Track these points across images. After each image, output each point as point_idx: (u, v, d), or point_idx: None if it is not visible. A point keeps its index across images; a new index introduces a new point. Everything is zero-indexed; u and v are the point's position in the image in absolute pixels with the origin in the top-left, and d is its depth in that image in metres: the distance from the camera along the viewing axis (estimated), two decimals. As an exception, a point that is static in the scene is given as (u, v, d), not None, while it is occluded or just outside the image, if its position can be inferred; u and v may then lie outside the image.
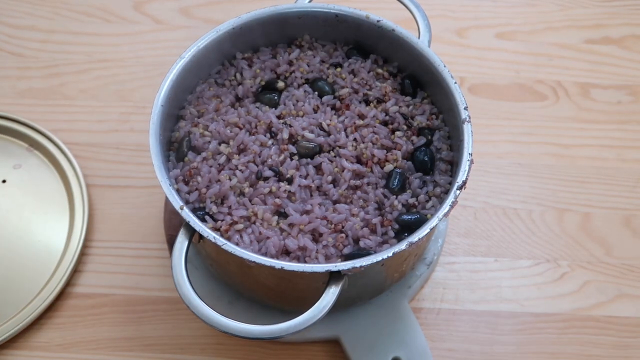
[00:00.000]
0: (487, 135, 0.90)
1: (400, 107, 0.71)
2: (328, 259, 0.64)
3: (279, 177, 0.67)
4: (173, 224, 0.78)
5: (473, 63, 0.96)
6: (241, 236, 0.64)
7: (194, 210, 0.65)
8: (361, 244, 0.64)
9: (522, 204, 0.85)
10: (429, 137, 0.70)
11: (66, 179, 0.83)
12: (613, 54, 0.96)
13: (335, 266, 0.59)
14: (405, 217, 0.65)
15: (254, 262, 0.59)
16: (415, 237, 0.61)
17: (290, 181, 0.66)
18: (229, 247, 0.60)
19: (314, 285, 0.61)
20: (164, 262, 0.79)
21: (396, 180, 0.67)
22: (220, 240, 0.60)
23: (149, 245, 0.80)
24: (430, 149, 0.69)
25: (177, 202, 0.62)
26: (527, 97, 0.93)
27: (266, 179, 0.67)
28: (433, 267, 0.79)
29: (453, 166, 0.69)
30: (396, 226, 0.65)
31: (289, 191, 0.66)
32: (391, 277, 0.72)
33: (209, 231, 0.61)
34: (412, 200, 0.66)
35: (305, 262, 0.63)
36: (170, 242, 0.77)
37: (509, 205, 0.85)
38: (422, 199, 0.67)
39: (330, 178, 0.67)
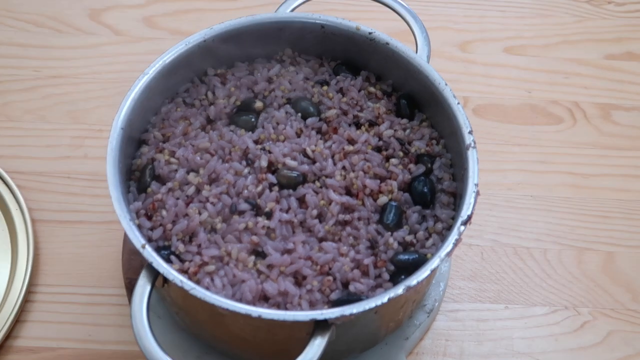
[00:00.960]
0: (495, 163, 0.91)
1: (395, 130, 0.73)
2: (313, 305, 0.64)
3: (257, 211, 0.67)
4: (133, 265, 0.79)
5: (478, 81, 0.98)
6: (212, 279, 0.64)
7: (157, 249, 0.65)
8: (351, 288, 0.64)
9: (536, 242, 0.86)
10: (429, 165, 0.71)
11: (8, 213, 0.83)
12: (637, 71, 0.98)
13: (322, 314, 0.59)
14: (401, 257, 0.66)
15: (227, 309, 0.59)
16: (413, 280, 0.61)
17: (269, 216, 0.67)
18: (198, 292, 0.60)
19: (297, 336, 0.61)
20: (122, 310, 0.79)
21: (391, 214, 0.68)
22: (188, 284, 0.60)
23: (105, 291, 0.80)
24: (430, 179, 0.70)
25: (138, 240, 0.62)
26: (541, 119, 0.95)
27: (241, 213, 0.67)
28: (434, 315, 0.79)
29: (456, 198, 0.70)
30: (392, 267, 0.66)
31: (268, 227, 0.66)
32: (386, 327, 0.72)
33: (175, 273, 0.61)
34: (409, 238, 0.67)
35: (286, 309, 0.63)
36: (130, 287, 0.77)
37: (520, 244, 0.86)
38: (421, 236, 0.67)
39: (315, 212, 0.67)
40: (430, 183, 0.70)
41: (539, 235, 0.86)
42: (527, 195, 0.89)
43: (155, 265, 0.61)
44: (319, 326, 0.60)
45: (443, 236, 0.67)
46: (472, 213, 0.64)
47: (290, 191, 0.68)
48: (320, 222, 0.67)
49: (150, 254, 0.61)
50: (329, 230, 0.67)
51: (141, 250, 0.61)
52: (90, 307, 0.80)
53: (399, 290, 0.60)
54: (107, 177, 0.64)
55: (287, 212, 0.67)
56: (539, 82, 0.98)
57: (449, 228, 0.67)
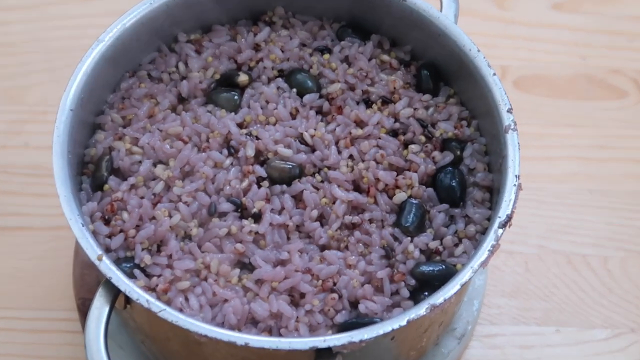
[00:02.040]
0: (542, 149, 0.91)
1: (415, 109, 0.72)
2: (314, 330, 0.64)
3: (242, 212, 0.67)
4: (87, 282, 0.78)
5: (520, 46, 0.97)
6: (187, 299, 0.64)
7: (117, 262, 0.65)
8: (361, 307, 0.64)
9: (594, 248, 0.86)
10: (458, 152, 0.71)
11: None
12: None
13: (324, 340, 0.59)
14: (424, 268, 0.65)
15: (205, 335, 0.59)
16: (439, 297, 0.61)
17: (257, 218, 0.67)
18: (169, 314, 0.60)
19: None
20: (74, 338, 0.79)
21: (411, 215, 0.67)
22: (157, 305, 0.60)
23: (52, 315, 0.80)
24: (460, 170, 0.70)
25: (93, 250, 0.62)
26: (599, 94, 0.94)
27: (223, 215, 0.67)
28: (466, 341, 0.79)
29: (493, 194, 0.70)
30: (412, 282, 0.65)
31: (256, 232, 0.66)
32: (406, 356, 0.72)
33: (140, 292, 0.61)
34: (434, 245, 0.67)
35: (280, 335, 0.63)
36: (83, 309, 0.77)
37: (574, 250, 0.85)
38: (448, 242, 0.67)
39: (315, 213, 0.67)
40: (460, 175, 0.69)
41: (597, 239, 0.86)
42: (582, 189, 0.89)
43: (114, 281, 0.61)
44: (322, 356, 0.60)
45: (476, 242, 0.67)
46: (512, 212, 0.64)
47: (284, 187, 0.68)
48: (322, 225, 0.67)
49: (109, 268, 0.61)
50: (333, 235, 0.67)
51: (97, 262, 0.61)
52: (34, 335, 0.79)
53: (421, 310, 0.60)
54: (53, 172, 0.64)
55: (279, 213, 0.67)
56: (596, 46, 0.97)
57: (484, 231, 0.67)
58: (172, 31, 0.75)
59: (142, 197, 0.67)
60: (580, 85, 0.95)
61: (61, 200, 0.63)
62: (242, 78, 0.73)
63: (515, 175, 0.65)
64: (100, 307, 0.61)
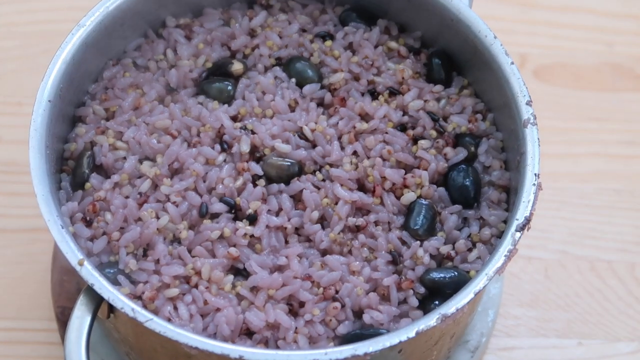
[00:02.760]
0: (565, 145, 0.92)
1: (426, 101, 0.73)
2: (314, 342, 0.64)
3: (236, 213, 0.67)
4: (66, 289, 0.79)
5: (541, 32, 0.98)
6: (175, 307, 0.64)
7: (100, 267, 0.65)
8: (365, 318, 0.64)
9: (621, 253, 0.86)
10: (472, 148, 0.71)
11: None
12: None
13: (326, 354, 0.59)
14: (435, 275, 0.66)
15: (196, 347, 0.59)
16: (451, 306, 0.61)
17: (252, 220, 0.67)
18: (157, 324, 0.60)
19: None
20: (53, 350, 0.80)
21: (421, 217, 0.68)
22: (143, 315, 0.60)
23: (28, 325, 0.81)
24: (474, 168, 0.70)
25: (73, 254, 0.62)
26: (626, 84, 0.95)
27: (215, 216, 0.67)
28: (480, 354, 0.80)
29: (510, 195, 0.70)
30: (421, 290, 0.66)
31: (252, 235, 0.66)
32: None
33: (125, 300, 0.61)
34: (445, 249, 0.67)
35: (277, 347, 0.63)
36: (63, 318, 0.78)
37: (599, 256, 0.86)
38: (461, 247, 0.67)
39: (316, 214, 0.67)
40: (474, 173, 0.70)
41: (624, 244, 0.87)
42: (608, 189, 0.90)
43: (97, 288, 0.61)
44: None
45: (492, 246, 0.67)
46: (531, 214, 0.64)
47: (282, 186, 0.69)
48: (323, 228, 0.68)
49: (91, 274, 0.61)
50: (335, 239, 0.67)
51: (78, 268, 0.62)
52: (9, 346, 0.80)
53: (432, 321, 0.60)
54: (30, 169, 0.64)
55: (277, 214, 0.67)
56: (624, 32, 0.98)
57: (500, 235, 0.67)
58: (159, 15, 0.75)
59: (126, 197, 0.68)
60: (606, 75, 0.95)
61: (39, 199, 0.63)
62: (236, 67, 0.73)
63: (535, 174, 0.65)
64: (81, 317, 0.61)
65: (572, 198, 0.89)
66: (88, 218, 0.67)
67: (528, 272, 0.85)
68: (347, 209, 0.67)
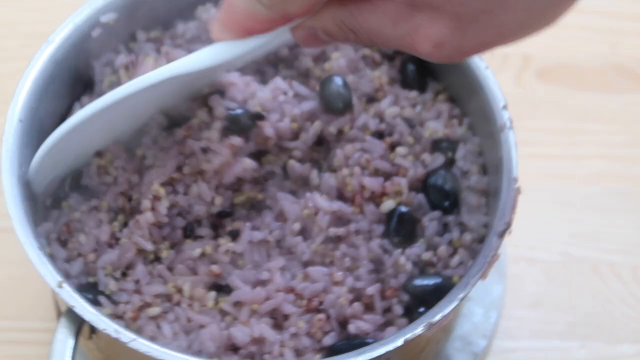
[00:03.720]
0: (567, 146, 0.92)
1: (402, 108, 0.72)
2: (300, 355, 0.64)
3: (217, 230, 0.67)
4: (67, 289, 0.80)
5: (544, 33, 0.97)
6: (159, 326, 0.64)
7: (80, 289, 0.64)
8: (351, 328, 0.64)
9: (623, 255, 0.87)
10: (450, 154, 0.71)
11: None
12: None
13: None
14: (418, 282, 0.66)
15: None
16: (436, 314, 0.61)
17: (234, 236, 0.67)
18: (140, 344, 0.60)
19: None
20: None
21: (401, 225, 0.68)
22: (127, 335, 0.60)
23: (28, 325, 0.81)
24: (453, 173, 0.70)
25: (52, 277, 0.62)
26: (630, 85, 0.95)
27: (197, 238, 0.67)
28: (483, 357, 0.79)
29: (489, 198, 0.70)
30: (405, 297, 0.66)
31: (233, 252, 0.66)
32: None
33: (107, 320, 0.61)
34: (427, 256, 0.67)
35: None
36: (64, 318, 0.78)
37: (601, 257, 0.86)
38: (443, 253, 0.67)
39: (297, 226, 0.67)
40: (453, 179, 0.70)
41: (627, 246, 0.87)
42: (611, 190, 0.90)
43: (78, 310, 0.61)
44: None
45: (473, 251, 0.67)
46: (511, 220, 0.64)
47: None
48: (305, 239, 0.67)
49: (71, 296, 0.61)
50: (317, 250, 0.66)
51: (58, 290, 0.62)
52: (9, 346, 0.81)
53: (418, 329, 0.61)
54: (3, 192, 0.64)
55: (259, 228, 0.67)
56: (627, 32, 0.98)
57: (481, 239, 0.67)
58: (129, 29, 0.74)
59: (100, 221, 0.67)
60: (608, 76, 0.95)
61: (13, 222, 0.63)
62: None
63: (513, 179, 0.65)
64: (63, 340, 0.61)
65: (575, 199, 0.89)
66: (62, 238, 0.67)
67: (530, 274, 0.85)
68: (328, 219, 0.67)
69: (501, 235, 0.64)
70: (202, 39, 0.73)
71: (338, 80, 0.70)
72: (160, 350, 0.59)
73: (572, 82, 0.96)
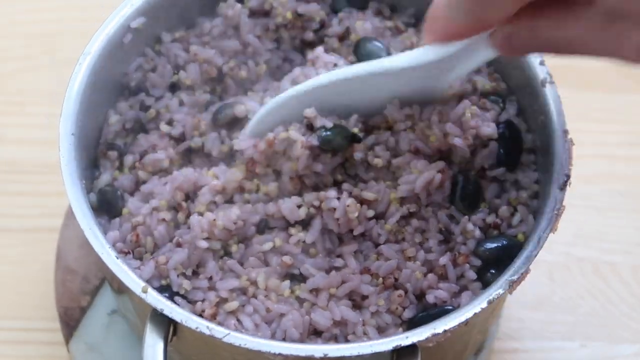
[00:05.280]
0: (569, 146, 0.92)
1: None
2: (382, 331, 0.65)
3: (286, 220, 0.67)
4: (69, 289, 0.80)
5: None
6: (239, 320, 0.65)
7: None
8: (429, 298, 0.65)
9: (625, 255, 0.87)
10: (501, 105, 0.71)
11: None
12: None
13: (406, 337, 0.60)
14: (488, 245, 0.67)
15: (279, 354, 0.60)
16: (514, 273, 0.63)
17: (305, 225, 0.67)
18: (235, 338, 0.60)
19: None
20: (56, 350, 0.80)
21: (466, 191, 0.68)
22: (220, 331, 0.61)
23: (31, 325, 0.82)
24: (515, 126, 0.70)
25: (136, 283, 0.62)
26: (631, 86, 0.96)
27: (270, 229, 0.68)
28: (485, 357, 0.80)
29: (536, 155, 0.71)
30: (476, 262, 0.67)
31: (304, 242, 0.67)
32: (474, 342, 0.74)
33: (198, 319, 0.61)
34: (490, 219, 0.68)
35: (348, 341, 0.64)
36: (66, 318, 0.79)
37: (603, 258, 0.87)
38: (504, 213, 0.68)
39: (371, 212, 0.67)
40: (515, 131, 0.69)
41: (628, 246, 0.87)
42: (612, 190, 0.90)
43: (167, 312, 0.61)
44: (403, 355, 0.61)
45: (531, 208, 0.68)
46: (569, 172, 0.66)
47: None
48: (377, 221, 0.68)
49: (157, 299, 0.62)
50: (391, 229, 0.67)
51: (143, 295, 0.62)
52: (11, 346, 0.81)
53: (500, 289, 0.62)
54: (71, 206, 0.64)
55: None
56: (629, 33, 0.98)
57: (534, 196, 0.68)
58: (154, 32, 0.75)
59: (163, 220, 0.68)
60: (609, 77, 0.96)
61: (88, 236, 0.64)
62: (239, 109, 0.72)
63: (564, 130, 0.67)
64: (154, 345, 0.61)
65: (577, 200, 0.89)
66: (131, 247, 0.67)
67: (532, 274, 0.84)
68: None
69: (562, 187, 0.65)
70: (229, 35, 0.75)
71: (371, 39, 0.72)
72: (256, 341, 0.61)
73: (573, 83, 0.96)
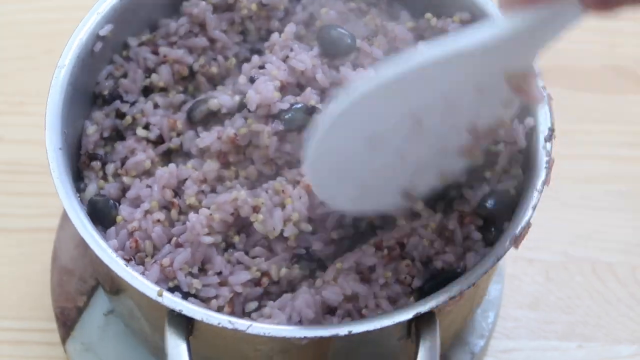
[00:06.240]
0: (566, 147, 0.90)
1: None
2: (394, 302, 0.65)
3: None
4: (66, 289, 0.80)
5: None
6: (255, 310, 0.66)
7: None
8: (437, 264, 0.66)
9: (622, 255, 0.87)
10: None
11: None
12: None
13: (426, 302, 0.61)
14: (489, 203, 0.67)
15: (305, 337, 0.61)
16: (517, 226, 0.64)
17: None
18: (259, 328, 0.61)
19: (389, 345, 0.63)
20: (52, 350, 0.80)
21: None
22: (242, 324, 0.61)
23: (28, 325, 0.82)
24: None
25: (150, 288, 0.63)
26: (629, 87, 0.95)
27: None
28: (480, 357, 0.80)
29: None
30: (479, 222, 0.68)
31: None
32: (477, 303, 0.75)
33: (218, 314, 0.62)
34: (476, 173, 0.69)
35: (362, 316, 0.65)
36: (62, 318, 0.79)
37: (600, 258, 0.86)
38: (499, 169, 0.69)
39: None
40: None
41: (626, 246, 0.87)
42: (610, 190, 0.90)
43: (187, 312, 0.61)
44: (422, 321, 0.62)
45: (519, 161, 0.69)
46: (552, 125, 0.68)
47: None
48: None
49: (174, 301, 0.62)
50: None
51: (159, 299, 0.62)
52: (8, 346, 0.81)
53: (505, 246, 0.64)
54: (73, 221, 0.64)
55: None
56: (626, 34, 0.98)
57: (519, 150, 0.69)
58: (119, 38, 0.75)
59: (158, 220, 0.68)
60: (607, 77, 0.96)
61: (92, 246, 0.64)
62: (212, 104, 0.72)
63: (542, 87, 0.68)
64: (176, 346, 0.61)
65: (575, 200, 0.89)
66: (129, 257, 0.67)
67: (529, 273, 0.85)
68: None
69: (549, 139, 0.67)
70: (195, 33, 0.75)
71: (335, 26, 0.72)
72: (279, 328, 0.61)
73: (572, 83, 0.96)
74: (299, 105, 0.68)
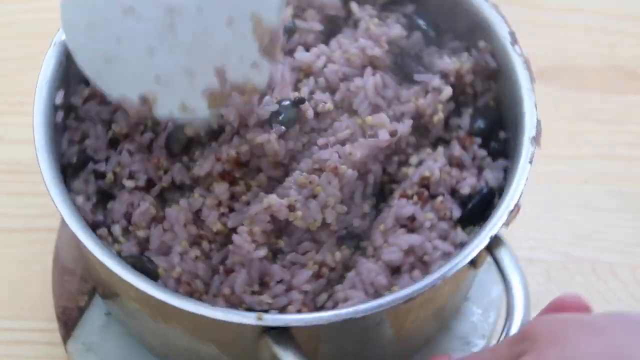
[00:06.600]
0: (567, 147, 0.92)
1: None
2: (446, 239, 0.68)
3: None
4: (67, 289, 0.80)
5: (543, 34, 0.98)
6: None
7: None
8: (463, 191, 0.69)
9: (623, 255, 0.87)
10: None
11: None
12: None
13: (490, 229, 0.65)
14: (479, 123, 0.72)
15: (392, 307, 0.62)
16: (532, 127, 0.69)
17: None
18: (351, 312, 0.62)
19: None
20: (54, 350, 0.80)
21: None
22: (335, 314, 0.62)
23: (29, 325, 0.82)
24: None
25: (248, 316, 0.62)
26: (630, 86, 0.95)
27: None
28: (481, 356, 0.80)
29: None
30: (478, 140, 0.72)
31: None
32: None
33: (311, 315, 0.63)
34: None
35: (424, 263, 0.67)
36: (64, 318, 0.79)
37: (601, 258, 0.86)
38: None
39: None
40: None
41: (627, 245, 0.87)
42: (611, 190, 0.90)
43: (284, 324, 0.62)
44: (494, 246, 0.66)
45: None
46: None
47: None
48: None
49: (275, 317, 0.62)
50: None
51: (260, 322, 0.62)
52: (9, 346, 0.81)
53: (530, 147, 0.68)
54: (67, 223, 0.65)
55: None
56: (627, 33, 0.98)
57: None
58: None
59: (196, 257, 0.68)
60: (609, 77, 0.96)
61: (108, 265, 0.64)
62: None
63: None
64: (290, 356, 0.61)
65: (575, 200, 0.89)
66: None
67: (529, 273, 0.85)
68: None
69: (514, 43, 0.74)
70: None
71: None
72: (368, 305, 0.62)
73: (572, 83, 0.96)
74: (287, 103, 0.68)
